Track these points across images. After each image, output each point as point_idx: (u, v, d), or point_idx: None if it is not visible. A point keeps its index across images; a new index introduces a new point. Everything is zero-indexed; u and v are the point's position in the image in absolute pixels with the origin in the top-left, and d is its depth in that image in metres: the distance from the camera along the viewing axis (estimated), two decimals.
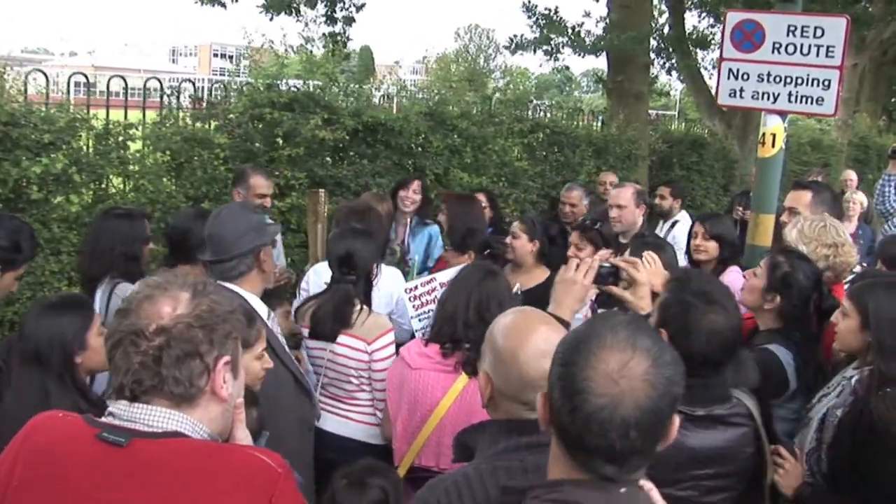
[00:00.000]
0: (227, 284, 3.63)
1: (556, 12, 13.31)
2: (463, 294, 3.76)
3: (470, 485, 2.14)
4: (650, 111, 16.06)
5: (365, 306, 4.22)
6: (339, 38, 13.22)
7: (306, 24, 12.80)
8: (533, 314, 2.45)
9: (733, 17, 5.50)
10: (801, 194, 5.26)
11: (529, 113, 11.36)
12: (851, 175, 11.46)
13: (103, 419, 1.90)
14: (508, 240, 5.53)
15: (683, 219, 7.37)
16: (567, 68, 14.69)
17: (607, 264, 3.34)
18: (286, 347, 3.95)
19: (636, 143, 11.75)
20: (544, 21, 13.34)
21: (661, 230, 7.35)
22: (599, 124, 12.83)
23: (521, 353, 2.25)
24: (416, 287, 4.98)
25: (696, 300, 2.83)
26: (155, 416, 1.86)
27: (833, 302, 3.86)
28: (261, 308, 3.74)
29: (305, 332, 4.28)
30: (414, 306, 4.92)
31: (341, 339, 4.13)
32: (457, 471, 2.23)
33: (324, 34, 13.15)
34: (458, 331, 3.68)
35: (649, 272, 4.19)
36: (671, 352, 1.75)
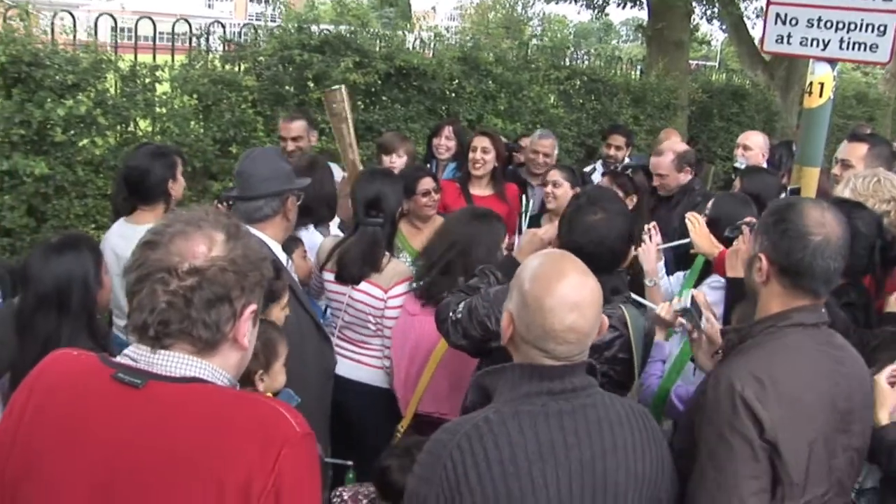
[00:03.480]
0: (249, 227, 3.56)
1: None
2: (446, 238, 3.91)
3: (492, 429, 2.09)
4: (690, 61, 15.70)
5: (387, 251, 4.16)
6: None
7: None
8: (564, 259, 2.30)
9: None
10: (857, 146, 4.98)
11: (567, 60, 11.06)
12: None
13: (119, 359, 1.80)
14: (549, 188, 5.50)
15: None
16: (607, 16, 14.36)
17: None
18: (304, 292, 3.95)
19: (675, 92, 11.46)
20: None
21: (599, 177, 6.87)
22: (638, 73, 12.50)
23: (546, 301, 2.14)
24: None
25: (583, 202, 3.15)
26: (175, 362, 1.76)
27: None
28: (280, 254, 3.74)
29: (327, 275, 4.22)
30: None
31: (360, 284, 4.09)
32: (476, 413, 2.17)
33: None
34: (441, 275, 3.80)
35: (694, 234, 4.10)
36: None
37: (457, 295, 3.22)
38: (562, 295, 2.13)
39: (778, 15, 5.28)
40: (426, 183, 4.91)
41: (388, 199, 4.17)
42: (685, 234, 4.31)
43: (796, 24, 5.21)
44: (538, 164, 6.41)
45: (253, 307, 1.84)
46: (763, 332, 2.49)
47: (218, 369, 1.81)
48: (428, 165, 6.28)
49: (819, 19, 5.12)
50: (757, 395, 2.29)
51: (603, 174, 6.07)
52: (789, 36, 5.25)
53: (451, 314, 3.10)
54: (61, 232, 4.29)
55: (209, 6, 76.38)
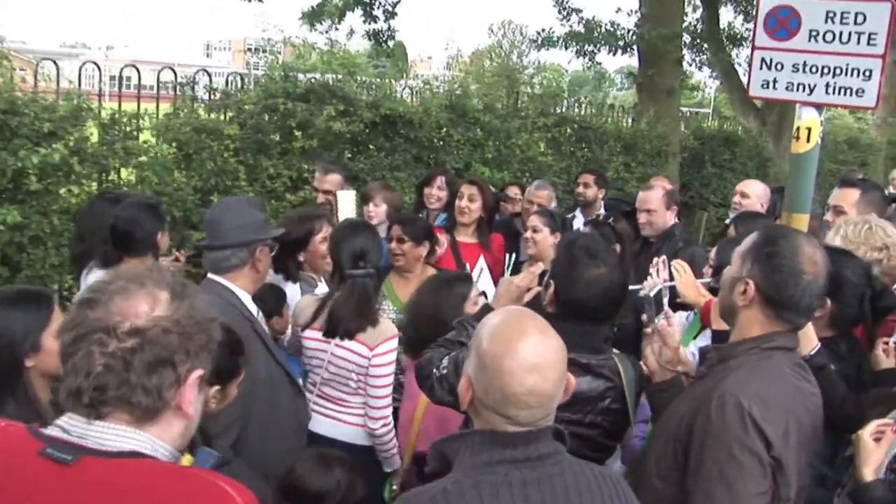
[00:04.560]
0: (217, 278, 3.58)
1: (592, 21, 13.09)
2: (419, 300, 3.97)
3: (450, 501, 1.95)
4: (683, 108, 15.72)
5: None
6: (381, 35, 13.03)
7: (350, 33, 12.78)
8: (526, 317, 2.16)
9: (767, 3, 5.12)
10: (849, 192, 4.94)
11: (557, 108, 10.97)
12: None
13: (50, 431, 1.65)
14: (528, 234, 5.48)
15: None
16: (599, 64, 14.39)
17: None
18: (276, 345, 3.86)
19: (666, 139, 11.39)
20: (579, 22, 13.13)
21: (579, 223, 6.81)
22: (630, 120, 12.45)
23: (505, 362, 2.00)
24: None
25: (580, 254, 3.00)
26: (111, 435, 1.62)
27: (891, 300, 3.51)
28: (250, 305, 3.65)
29: (310, 332, 4.08)
30: None
31: (344, 340, 3.95)
32: (434, 485, 2.02)
33: (366, 32, 12.98)
34: (422, 333, 3.74)
35: (680, 283, 3.96)
36: None
37: (437, 350, 3.12)
38: (522, 357, 2.00)
39: (763, 60, 5.20)
40: None
41: (373, 250, 4.09)
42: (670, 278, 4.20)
43: (782, 68, 5.13)
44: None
45: (199, 372, 1.70)
46: (747, 352, 2.58)
47: (158, 441, 1.66)
48: (420, 215, 6.20)
49: (804, 64, 5.05)
50: (762, 413, 2.38)
51: (585, 223, 5.98)
52: (775, 81, 5.18)
53: (434, 370, 2.99)
54: (17, 286, 4.12)
55: (207, 55, 77.15)
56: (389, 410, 3.98)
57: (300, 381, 4.04)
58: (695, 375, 2.90)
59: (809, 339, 3.23)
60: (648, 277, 4.17)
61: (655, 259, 4.31)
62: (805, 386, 2.62)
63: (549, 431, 2.07)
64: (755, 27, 5.24)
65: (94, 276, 4.12)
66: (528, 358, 2.00)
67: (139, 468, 1.61)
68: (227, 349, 2.81)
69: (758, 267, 2.58)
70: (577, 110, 11.73)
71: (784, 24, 5.08)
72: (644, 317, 3.16)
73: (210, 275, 3.64)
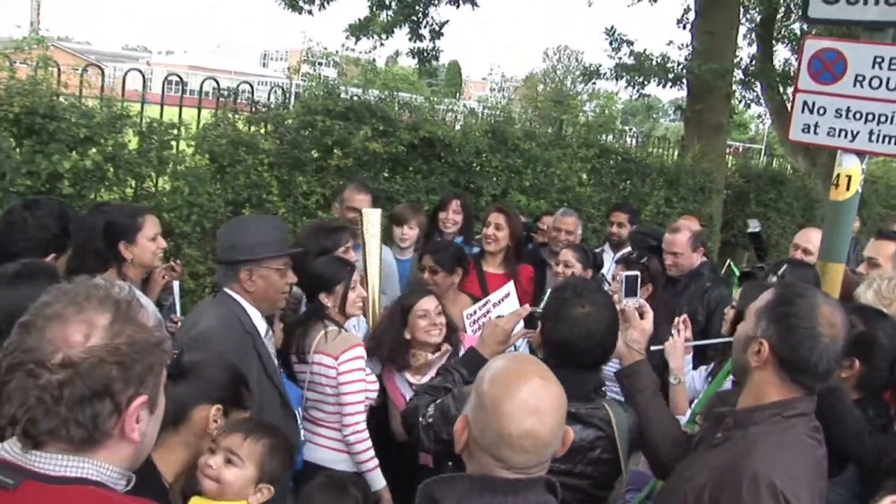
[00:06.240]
0: (230, 291, 3.66)
1: (642, 53, 12.93)
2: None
3: None
4: (736, 143, 15.49)
5: (333, 326, 4.07)
6: (426, 53, 13.06)
7: (395, 54, 12.80)
8: (529, 363, 2.18)
9: (812, 45, 5.00)
10: (884, 245, 4.81)
11: (605, 137, 10.79)
12: None
13: None
14: (560, 269, 5.40)
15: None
16: (648, 96, 14.24)
17: (539, 310, 3.41)
18: (276, 366, 3.86)
19: (710, 175, 11.19)
20: (630, 55, 12.98)
21: (609, 266, 6.51)
22: (675, 154, 12.28)
23: (505, 404, 1.99)
24: (474, 312, 4.94)
25: (569, 294, 2.96)
26: (53, 462, 1.56)
27: None
28: (259, 324, 3.68)
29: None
30: (472, 330, 4.83)
31: (315, 356, 4.00)
32: None
33: (410, 50, 13.03)
34: None
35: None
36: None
37: (421, 397, 3.09)
38: (521, 399, 1.99)
39: (805, 103, 5.06)
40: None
41: (314, 269, 4.17)
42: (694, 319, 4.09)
43: (824, 113, 4.99)
44: (559, 242, 6.21)
45: (142, 399, 1.63)
46: (768, 420, 2.45)
47: (105, 465, 1.60)
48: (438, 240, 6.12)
49: (848, 109, 4.90)
50: (794, 493, 2.26)
51: (616, 261, 5.86)
52: (816, 125, 5.04)
53: (420, 419, 2.96)
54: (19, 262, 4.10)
55: (264, 65, 78.06)
56: (360, 418, 3.99)
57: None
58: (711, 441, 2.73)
59: None
60: (670, 338, 4.05)
61: (677, 319, 4.19)
62: (820, 452, 2.49)
63: (541, 482, 2.03)
64: (798, 69, 5.11)
65: None
66: (528, 400, 1.99)
67: (85, 497, 1.56)
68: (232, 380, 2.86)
69: (773, 327, 2.45)
70: (621, 140, 11.54)
71: (829, 67, 4.94)
72: (614, 297, 3.10)
73: (224, 288, 3.70)
